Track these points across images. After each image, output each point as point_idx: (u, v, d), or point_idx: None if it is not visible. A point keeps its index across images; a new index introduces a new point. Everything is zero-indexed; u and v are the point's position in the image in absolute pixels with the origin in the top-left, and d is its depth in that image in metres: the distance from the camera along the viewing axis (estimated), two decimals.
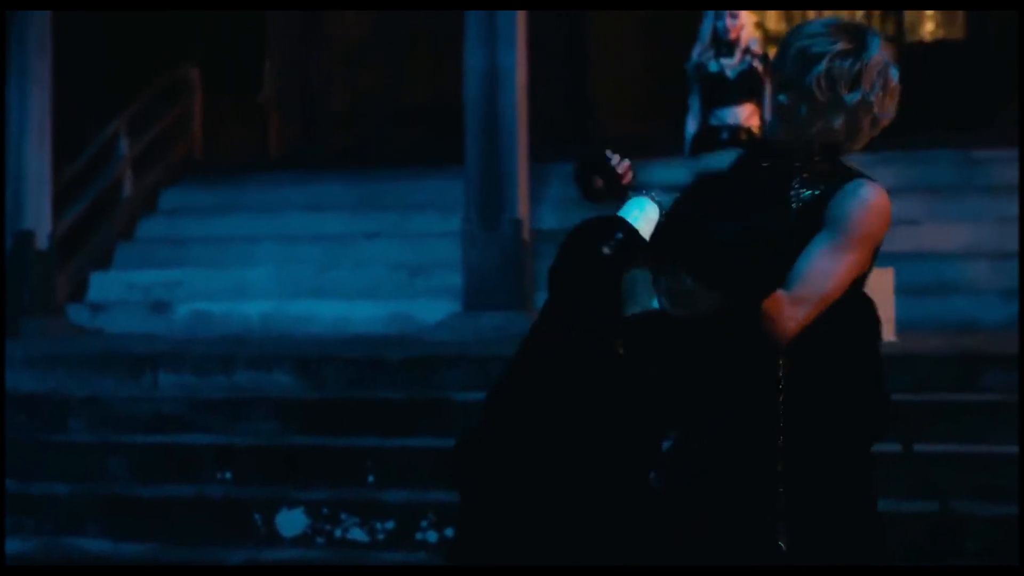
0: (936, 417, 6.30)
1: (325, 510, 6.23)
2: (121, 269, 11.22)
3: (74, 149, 11.28)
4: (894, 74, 2.79)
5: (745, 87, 7.82)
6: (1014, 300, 9.32)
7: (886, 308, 7.95)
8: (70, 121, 10.96)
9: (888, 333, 7.94)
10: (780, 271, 2.67)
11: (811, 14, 16.67)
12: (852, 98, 2.75)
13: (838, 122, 2.77)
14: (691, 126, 8.45)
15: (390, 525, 6.14)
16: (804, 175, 2.79)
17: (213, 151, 12.56)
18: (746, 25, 8.07)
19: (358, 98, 13.27)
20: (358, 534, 6.19)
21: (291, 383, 7.36)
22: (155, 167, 12.01)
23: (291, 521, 6.24)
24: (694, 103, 8.35)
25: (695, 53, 8.17)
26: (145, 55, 12.13)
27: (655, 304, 2.76)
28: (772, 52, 7.74)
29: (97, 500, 6.55)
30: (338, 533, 6.20)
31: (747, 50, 8.02)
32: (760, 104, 8.05)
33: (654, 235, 2.72)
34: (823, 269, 2.68)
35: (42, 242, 10.21)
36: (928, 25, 14.37)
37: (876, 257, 2.81)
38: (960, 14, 14.06)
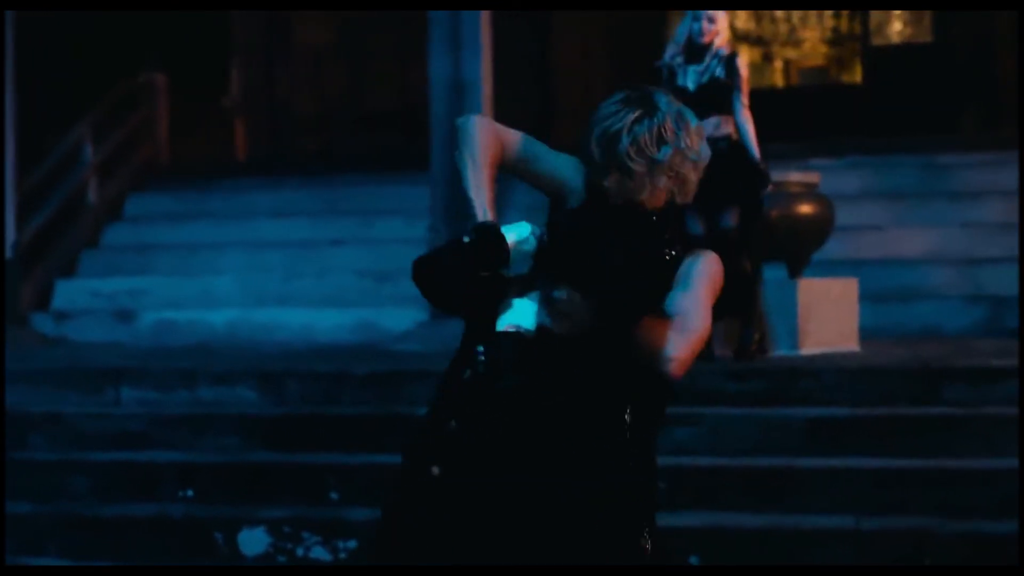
0: (897, 431, 6.32)
1: (287, 528, 6.21)
2: (86, 277, 11.16)
3: (38, 156, 11.20)
4: (691, 117, 2.95)
5: (707, 100, 7.57)
6: (978, 306, 9.37)
7: (850, 318, 7.98)
8: (33, 127, 10.89)
9: (851, 343, 7.98)
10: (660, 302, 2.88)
11: (779, 15, 16.77)
12: (664, 154, 2.89)
13: (663, 181, 2.92)
14: None
15: (352, 544, 6.12)
16: (658, 232, 2.96)
17: (179, 157, 12.49)
18: (722, 32, 7.68)
19: (324, 103, 13.22)
20: (320, 552, 6.16)
21: (255, 398, 7.32)
22: (120, 173, 11.94)
23: (252, 540, 6.22)
24: None
25: (667, 54, 7.79)
26: (109, 60, 12.04)
27: (522, 319, 2.88)
28: (740, 55, 7.65)
29: (58, 519, 6.51)
30: (300, 552, 6.17)
31: (715, 55, 7.64)
32: (730, 112, 7.69)
33: (548, 255, 2.86)
34: (701, 307, 2.90)
35: (6, 251, 10.14)
36: (895, 27, 14.38)
37: None
38: (927, 16, 14.07)
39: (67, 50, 12.09)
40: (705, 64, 7.54)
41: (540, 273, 2.87)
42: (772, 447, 6.40)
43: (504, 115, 13.27)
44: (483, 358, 2.89)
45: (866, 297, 9.11)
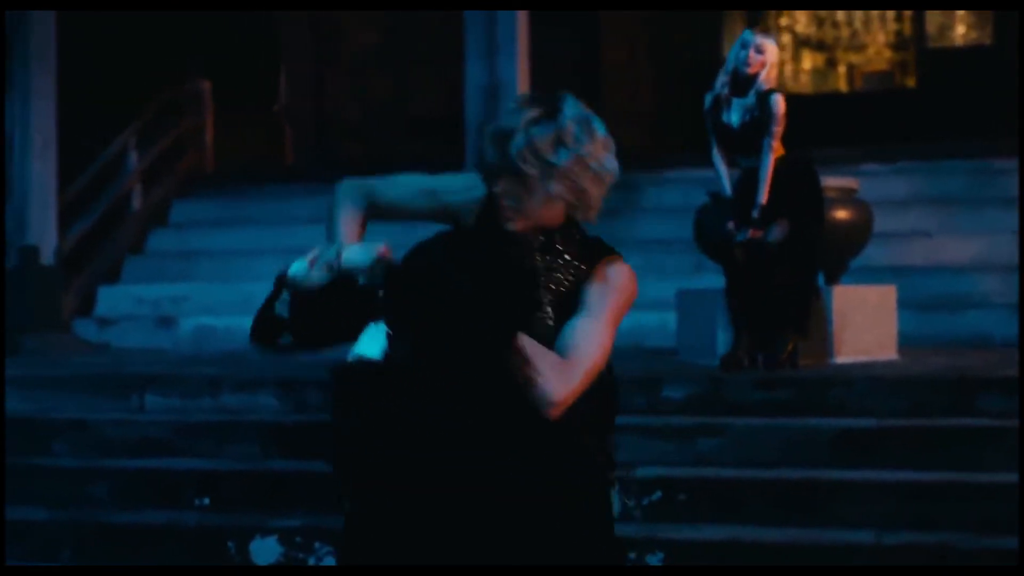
0: (928, 443, 6.11)
1: (299, 538, 6.12)
2: (130, 283, 11.18)
3: (82, 163, 11.24)
4: (599, 126, 2.71)
5: (751, 138, 7.26)
6: None
7: (888, 326, 7.77)
8: (78, 135, 10.92)
9: (889, 351, 7.76)
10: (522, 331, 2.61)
11: (841, 19, 16.51)
12: (561, 159, 2.65)
13: (558, 189, 2.66)
14: (723, 174, 7.51)
15: None
16: (552, 254, 2.73)
17: (225, 163, 12.51)
18: (769, 64, 7.23)
19: (369, 109, 13.18)
20: (332, 562, 6.06)
21: (276, 405, 7.25)
22: (165, 180, 11.98)
23: (264, 549, 6.13)
24: (715, 156, 7.51)
25: (717, 82, 7.41)
26: (155, 68, 12.09)
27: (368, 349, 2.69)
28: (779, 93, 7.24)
29: (74, 526, 6.46)
30: (312, 561, 6.08)
31: (756, 90, 7.26)
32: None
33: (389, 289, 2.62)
34: (594, 337, 2.66)
35: (47, 257, 10.18)
36: (958, 29, 14.09)
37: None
38: (989, 18, 13.78)
39: (114, 58, 12.14)
40: (748, 99, 7.28)
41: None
42: (798, 459, 6.21)
43: None
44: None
45: (912, 305, 8.90)
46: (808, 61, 16.85)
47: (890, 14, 15.62)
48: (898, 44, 15.66)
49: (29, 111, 10.05)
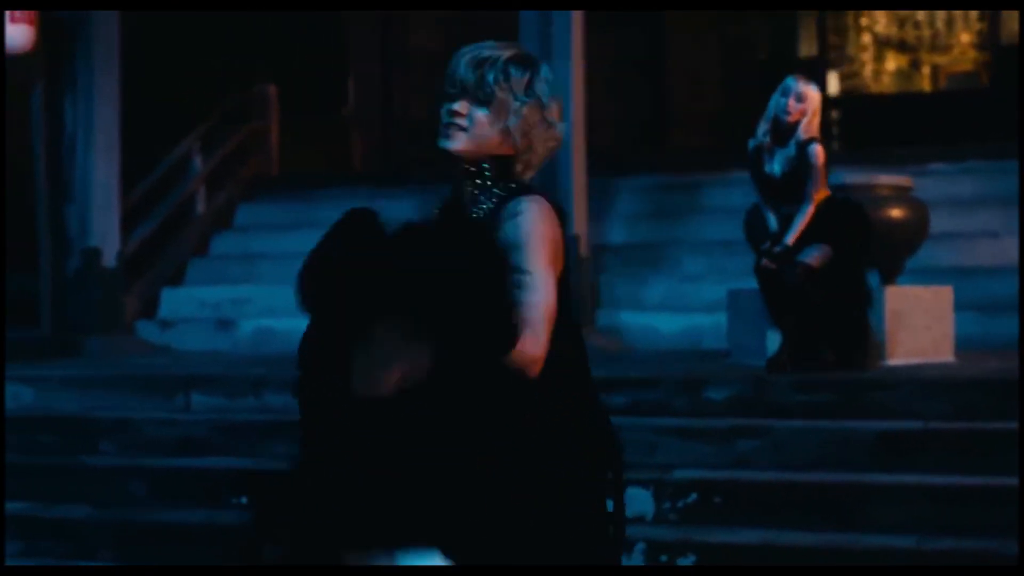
0: (972, 447, 5.94)
1: None
2: (192, 285, 11.26)
3: (147, 166, 11.35)
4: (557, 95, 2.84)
5: (793, 189, 7.05)
6: None
7: (944, 327, 7.58)
8: (143, 138, 11.03)
9: (945, 354, 7.58)
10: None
11: (922, 19, 16.21)
12: (528, 99, 2.77)
13: (513, 123, 2.76)
14: (770, 216, 7.32)
15: None
16: (474, 189, 2.80)
17: (290, 167, 12.57)
18: (810, 112, 7.07)
19: (435, 112, 13.14)
20: None
21: None
22: (230, 184, 12.05)
23: None
24: (760, 202, 7.36)
25: (759, 130, 7.25)
26: (220, 73, 12.18)
27: None
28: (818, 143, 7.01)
29: (112, 524, 6.50)
30: None
31: (796, 140, 7.08)
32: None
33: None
34: (536, 290, 2.63)
35: (109, 260, 10.27)
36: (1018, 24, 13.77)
37: (563, 250, 2.75)
38: None
39: (180, 62, 12.26)
40: (789, 149, 7.11)
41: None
42: (838, 462, 6.07)
43: (615, 118, 13.04)
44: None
45: (975, 306, 8.69)
46: (892, 62, 16.59)
47: (973, 14, 15.32)
48: (982, 44, 15.35)
49: (92, 113, 10.15)
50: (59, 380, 7.96)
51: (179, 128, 11.67)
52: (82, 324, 10.10)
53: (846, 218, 7.10)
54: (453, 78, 2.78)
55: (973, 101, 13.90)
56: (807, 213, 7.04)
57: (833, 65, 15.60)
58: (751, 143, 7.33)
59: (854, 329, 7.05)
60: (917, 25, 16.47)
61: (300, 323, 9.48)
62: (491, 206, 2.76)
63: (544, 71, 2.81)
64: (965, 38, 15.87)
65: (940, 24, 16.36)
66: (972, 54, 15.77)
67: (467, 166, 2.79)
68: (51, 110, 10.14)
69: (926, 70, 16.57)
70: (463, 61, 2.77)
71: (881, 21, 16.44)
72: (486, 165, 2.79)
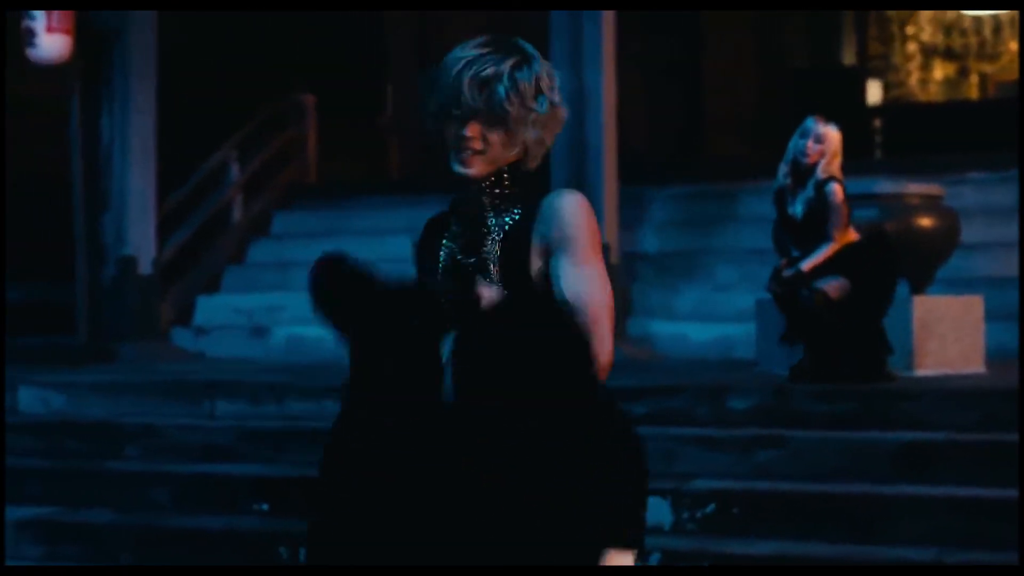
0: (996, 458, 5.85)
1: None
2: (228, 293, 11.31)
3: (183, 174, 11.43)
4: (556, 71, 2.71)
5: (814, 229, 6.96)
6: None
7: (974, 337, 7.49)
8: (180, 146, 11.11)
9: (976, 364, 7.48)
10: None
11: (968, 26, 16.06)
12: (542, 106, 2.62)
13: (531, 134, 2.62)
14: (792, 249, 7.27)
15: None
16: (497, 201, 2.66)
17: (328, 176, 12.61)
18: (827, 153, 6.99)
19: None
20: None
21: None
22: (267, 191, 12.11)
23: None
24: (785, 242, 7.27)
25: (780, 173, 7.14)
26: (257, 81, 12.24)
27: None
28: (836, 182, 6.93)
29: (133, 529, 6.53)
30: None
31: (815, 181, 6.99)
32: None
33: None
34: (596, 286, 2.57)
35: (145, 267, 10.34)
36: None
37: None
38: None
39: (217, 70, 12.33)
40: (808, 191, 7.04)
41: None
42: (859, 472, 6.01)
43: (650, 126, 12.98)
44: None
45: (1009, 316, 8.57)
46: (939, 70, 16.45)
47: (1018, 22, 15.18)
48: None
49: (128, 122, 10.22)
50: (88, 386, 8.02)
51: (216, 136, 11.74)
52: (117, 331, 10.17)
53: (872, 261, 6.98)
54: (456, 99, 2.60)
55: (1014, 110, 13.73)
56: (828, 248, 6.95)
57: (876, 74, 15.50)
58: (773, 186, 7.25)
59: (872, 345, 6.96)
60: (964, 32, 16.34)
61: (328, 331, 9.35)
62: (520, 210, 2.64)
63: (539, 62, 2.66)
64: (1013, 46, 15.71)
65: (987, 32, 16.23)
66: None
67: (484, 182, 2.64)
68: (87, 119, 10.23)
69: (974, 78, 16.44)
70: (464, 81, 2.59)
71: (927, 29, 16.33)
72: (506, 175, 2.65)
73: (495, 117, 2.59)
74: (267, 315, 10.81)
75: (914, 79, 16.36)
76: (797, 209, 7.10)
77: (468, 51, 2.63)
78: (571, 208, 2.58)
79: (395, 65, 13.68)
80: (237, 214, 11.76)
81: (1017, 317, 8.64)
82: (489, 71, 2.59)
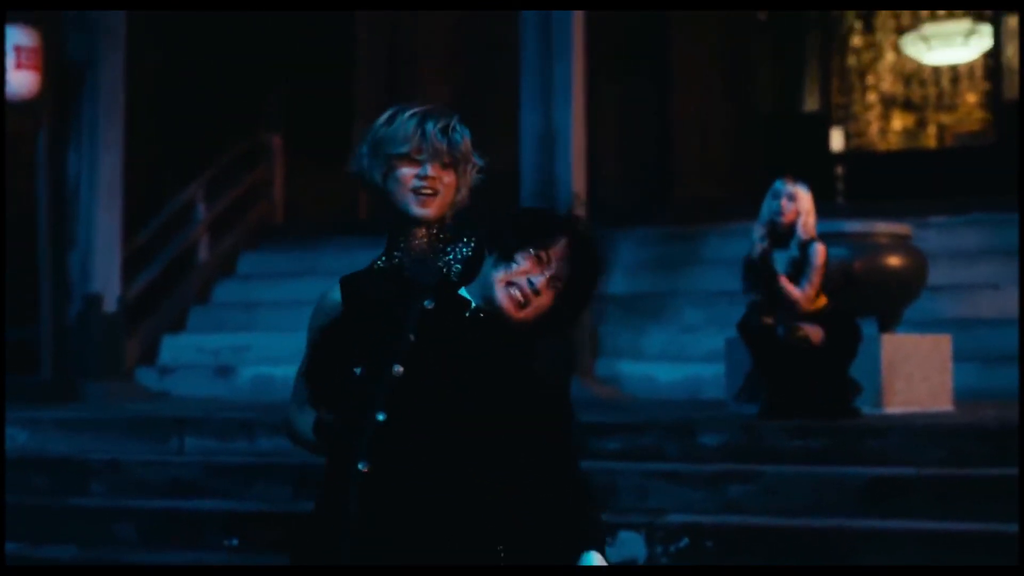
0: (964, 493, 5.88)
1: None
2: (193, 332, 11.26)
3: (151, 212, 11.39)
4: None
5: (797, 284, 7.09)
6: None
7: (942, 376, 7.54)
8: (147, 184, 11.08)
9: (944, 403, 7.53)
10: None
11: (928, 78, 16.24)
12: (478, 159, 2.87)
13: (471, 182, 2.88)
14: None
15: None
16: (444, 240, 2.87)
17: (294, 216, 12.60)
18: (803, 212, 7.07)
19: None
20: None
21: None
22: (233, 231, 12.08)
23: None
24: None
25: (755, 235, 7.22)
26: (226, 121, 12.23)
27: None
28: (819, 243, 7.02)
29: (99, 565, 6.44)
30: None
31: (796, 241, 7.09)
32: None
33: None
34: None
35: (111, 305, 10.28)
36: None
37: None
38: None
39: (186, 110, 12.31)
40: (791, 251, 7.08)
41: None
42: (829, 507, 6.02)
43: (620, 169, 12.98)
44: None
45: (977, 358, 8.64)
46: (898, 120, 16.62)
47: (979, 73, 15.36)
48: (988, 104, 15.36)
49: (96, 158, 10.19)
50: (53, 422, 7.94)
51: (183, 175, 11.72)
52: (82, 369, 10.09)
53: (841, 331, 7.04)
54: (420, 143, 2.79)
55: (977, 157, 13.92)
56: (795, 293, 7.00)
57: (838, 122, 15.64)
58: (749, 251, 7.27)
59: (841, 383, 7.00)
60: (923, 83, 16.51)
61: (296, 371, 9.32)
62: (469, 251, 2.84)
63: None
64: (971, 98, 15.90)
65: (946, 82, 16.40)
66: (978, 114, 15.79)
67: (434, 226, 2.84)
68: (55, 156, 10.18)
69: (932, 129, 16.60)
70: (429, 126, 2.79)
71: (887, 79, 16.50)
72: (447, 219, 2.85)
73: (453, 160, 2.79)
74: (233, 355, 10.76)
75: (874, 128, 16.53)
76: (779, 269, 7.13)
77: (415, 109, 2.82)
78: None
79: (363, 107, 13.69)
80: (203, 253, 11.72)
81: (985, 359, 8.71)
82: (447, 119, 2.81)
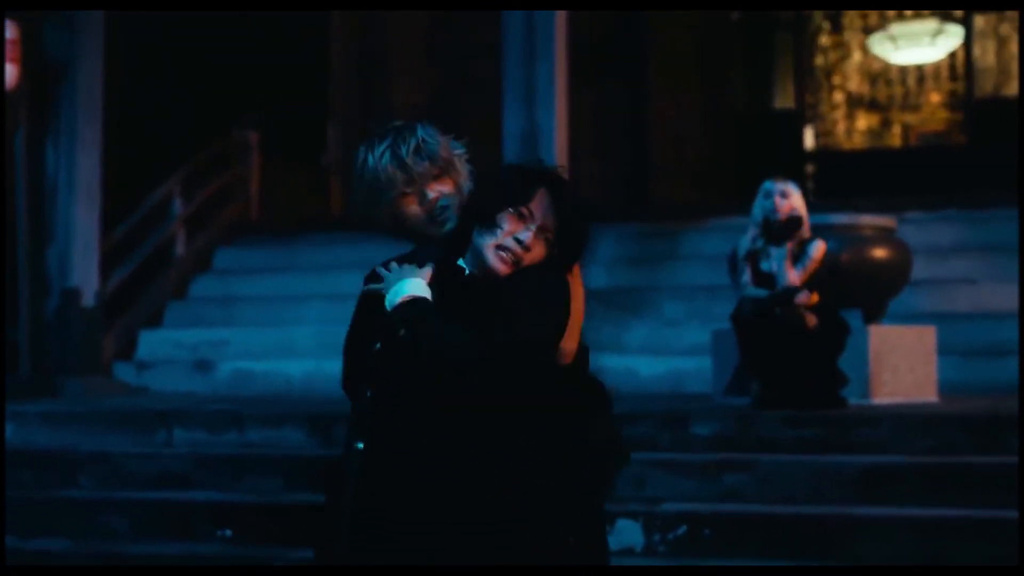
0: (955, 481, 5.95)
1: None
2: (171, 327, 11.22)
3: (128, 208, 11.34)
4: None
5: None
6: None
7: (927, 367, 7.62)
8: (125, 180, 11.03)
9: (929, 394, 7.61)
10: None
11: (895, 77, 16.38)
12: (459, 147, 3.00)
13: (464, 170, 2.99)
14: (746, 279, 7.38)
15: None
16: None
17: (270, 212, 12.58)
18: (796, 207, 7.17)
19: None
20: None
21: (301, 440, 7.21)
22: (210, 227, 12.05)
23: None
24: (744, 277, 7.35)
25: (747, 237, 7.30)
26: (202, 119, 12.20)
27: None
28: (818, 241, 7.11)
29: (91, 557, 6.41)
30: None
31: (800, 240, 7.19)
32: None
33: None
34: None
35: (89, 300, 10.22)
36: (998, 81, 13.98)
37: None
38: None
39: (164, 107, 12.28)
40: (787, 248, 7.15)
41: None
42: (825, 495, 6.07)
43: (599, 168, 13.05)
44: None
45: (956, 352, 8.73)
46: (863, 120, 16.75)
47: (944, 73, 15.51)
48: (953, 104, 15.51)
49: (75, 154, 10.14)
50: (38, 415, 7.90)
51: (161, 171, 11.68)
52: (61, 365, 10.02)
53: (831, 324, 7.10)
54: (407, 174, 2.87)
55: (947, 156, 14.07)
56: (786, 274, 7.06)
57: (809, 121, 15.77)
58: (740, 251, 7.34)
59: (829, 374, 7.07)
60: (890, 83, 16.64)
61: (280, 364, 9.46)
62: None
63: (418, 126, 2.98)
64: (935, 97, 16.04)
65: (912, 82, 16.54)
66: (942, 114, 15.93)
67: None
68: (33, 152, 10.12)
69: (896, 128, 16.73)
70: (403, 155, 2.86)
71: (854, 79, 16.62)
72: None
73: (442, 171, 2.89)
74: (211, 350, 10.73)
75: (840, 128, 16.65)
76: (773, 265, 7.18)
77: (381, 144, 2.90)
78: None
79: (337, 106, 13.70)
80: (180, 249, 11.68)
81: (964, 352, 8.81)
82: (413, 141, 2.89)
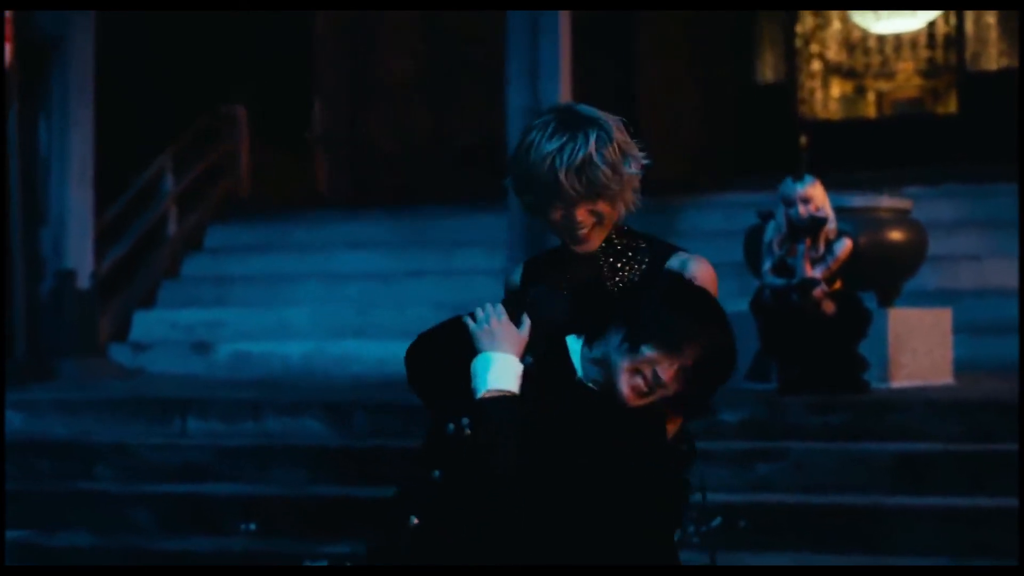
0: (992, 468, 5.96)
1: (348, 564, 5.98)
2: (165, 308, 11.09)
3: (119, 188, 11.18)
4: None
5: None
6: None
7: (943, 349, 7.62)
8: (116, 160, 10.86)
9: (945, 376, 7.62)
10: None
11: (872, 46, 16.36)
12: (629, 167, 2.74)
13: (628, 195, 2.76)
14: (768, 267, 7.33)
15: None
16: (612, 258, 2.80)
17: (260, 189, 12.44)
18: (820, 206, 7.12)
19: (406, 138, 13.11)
20: None
21: (321, 430, 7.15)
22: (201, 205, 11.91)
23: None
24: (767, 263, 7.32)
25: (775, 242, 7.22)
26: (191, 95, 12.03)
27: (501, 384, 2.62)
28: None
29: (118, 552, 6.34)
30: None
31: (827, 240, 7.15)
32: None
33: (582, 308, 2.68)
34: None
35: (83, 281, 10.09)
36: (992, 53, 13.97)
37: None
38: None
39: (152, 85, 12.09)
40: (806, 244, 7.09)
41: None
42: (859, 483, 6.07)
43: None
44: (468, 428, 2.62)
45: (962, 329, 8.71)
46: (836, 87, 16.74)
47: (922, 41, 15.49)
48: (929, 71, 15.48)
49: (67, 134, 9.99)
50: (50, 403, 7.79)
51: (152, 149, 11.51)
52: (56, 347, 9.89)
53: (852, 310, 7.10)
54: (557, 192, 2.67)
55: (936, 127, 14.07)
56: (804, 270, 7.05)
57: (793, 91, 15.74)
58: (765, 238, 7.31)
59: (850, 358, 7.08)
60: (867, 52, 16.62)
61: (278, 346, 9.35)
62: (645, 266, 2.77)
63: (609, 121, 2.72)
64: (909, 65, 16.02)
65: (889, 50, 16.51)
66: (917, 81, 15.93)
67: (598, 251, 2.77)
68: (26, 130, 9.94)
69: (871, 96, 16.72)
70: (560, 173, 2.65)
71: (832, 47, 16.60)
72: (614, 237, 2.79)
73: (598, 196, 2.69)
74: (208, 331, 10.61)
75: (817, 97, 16.64)
76: (798, 263, 7.14)
77: (550, 143, 2.67)
78: (701, 278, 2.73)
79: (322, 81, 13.53)
80: (172, 227, 11.54)
81: (972, 330, 8.81)
82: (580, 156, 2.67)
